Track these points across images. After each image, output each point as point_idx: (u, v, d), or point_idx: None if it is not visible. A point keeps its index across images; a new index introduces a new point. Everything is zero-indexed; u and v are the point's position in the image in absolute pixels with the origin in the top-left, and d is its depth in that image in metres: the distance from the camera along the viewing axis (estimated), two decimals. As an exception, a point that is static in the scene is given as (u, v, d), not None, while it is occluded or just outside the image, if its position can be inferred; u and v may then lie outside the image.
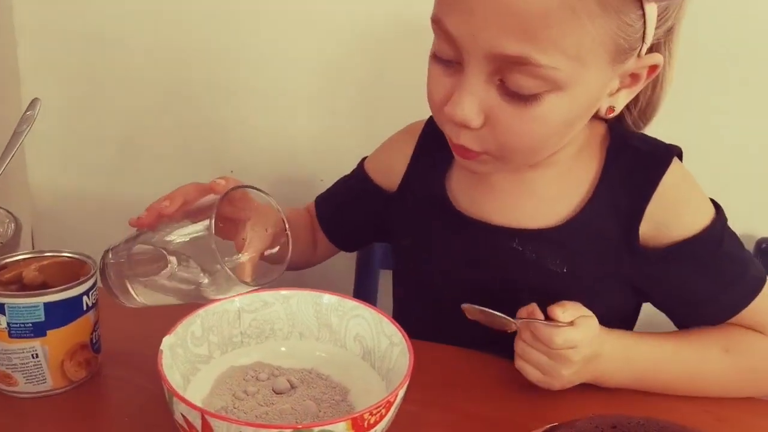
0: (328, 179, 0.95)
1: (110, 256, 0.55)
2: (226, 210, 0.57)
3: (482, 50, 0.49)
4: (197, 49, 0.99)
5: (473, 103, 0.51)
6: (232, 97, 1.01)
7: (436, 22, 0.52)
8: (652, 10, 0.48)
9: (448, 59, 0.52)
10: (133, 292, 0.54)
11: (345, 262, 1.05)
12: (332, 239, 0.79)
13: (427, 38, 0.54)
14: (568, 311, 0.55)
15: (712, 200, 0.62)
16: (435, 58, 0.54)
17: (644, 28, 0.49)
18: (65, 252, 0.57)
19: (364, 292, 0.97)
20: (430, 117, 0.71)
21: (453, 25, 0.50)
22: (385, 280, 0.98)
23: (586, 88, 0.51)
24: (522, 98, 0.50)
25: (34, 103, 0.73)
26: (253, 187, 0.54)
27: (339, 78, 0.96)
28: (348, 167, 0.80)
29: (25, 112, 0.72)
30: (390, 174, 0.72)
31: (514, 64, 0.48)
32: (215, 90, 1.01)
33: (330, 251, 0.81)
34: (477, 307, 0.56)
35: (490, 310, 0.55)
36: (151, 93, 1.03)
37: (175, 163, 1.07)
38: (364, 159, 0.77)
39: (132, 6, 0.99)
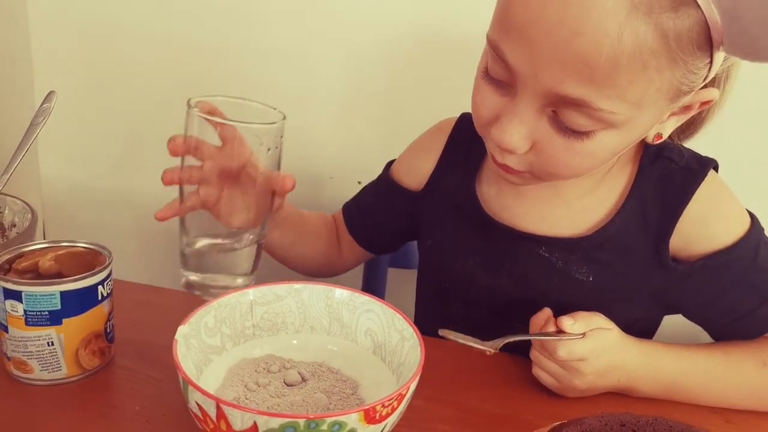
0: (338, 177, 0.95)
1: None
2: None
3: (541, 86, 0.47)
4: (210, 44, 0.99)
5: (522, 132, 0.50)
6: (243, 93, 1.02)
7: (493, 46, 0.49)
8: (719, 57, 0.47)
9: (500, 80, 0.51)
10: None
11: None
12: (361, 243, 0.78)
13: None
14: (579, 323, 0.55)
15: (749, 212, 0.60)
16: (486, 75, 0.52)
17: (708, 72, 0.47)
18: (81, 242, 0.58)
19: (372, 290, 0.97)
20: (461, 117, 0.71)
21: (512, 55, 0.47)
22: (393, 279, 0.98)
23: (640, 125, 0.50)
24: (574, 133, 0.49)
25: (50, 95, 0.73)
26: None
27: (352, 76, 0.97)
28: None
29: (42, 104, 0.72)
30: (417, 174, 0.72)
31: (572, 104, 0.47)
32: (226, 86, 1.02)
33: (358, 257, 0.80)
34: (451, 335, 0.55)
35: (464, 342, 0.55)
36: (163, 87, 1.04)
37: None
38: (389, 164, 0.77)
39: (146, 0, 0.99)
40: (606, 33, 0.43)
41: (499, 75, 0.50)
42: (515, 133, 0.50)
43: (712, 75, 0.48)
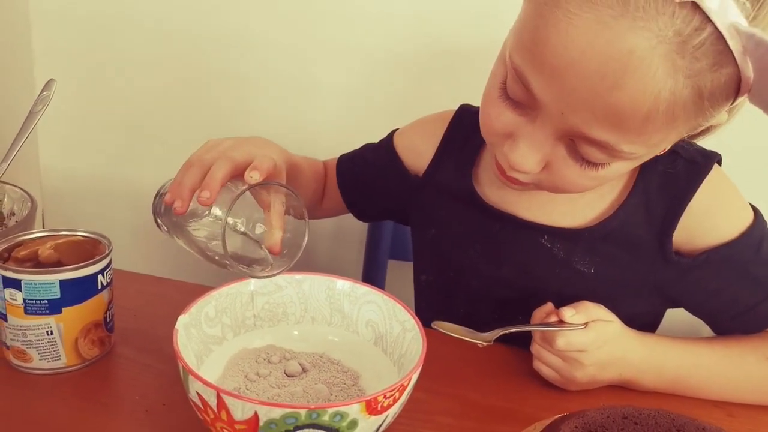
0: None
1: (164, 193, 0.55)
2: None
3: (566, 124, 0.46)
4: (212, 35, 0.98)
5: (537, 157, 0.49)
6: (244, 85, 1.01)
7: (518, 72, 0.47)
8: (741, 99, 0.46)
9: (519, 101, 0.49)
10: (174, 236, 0.54)
11: (353, 251, 1.05)
12: (349, 205, 0.77)
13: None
14: (580, 314, 0.55)
15: (753, 206, 0.60)
16: (503, 93, 0.50)
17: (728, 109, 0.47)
18: (80, 231, 0.57)
19: (371, 281, 0.96)
20: (459, 110, 0.70)
21: (540, 90, 0.46)
22: (392, 271, 0.98)
23: (652, 154, 0.51)
24: (590, 164, 0.49)
25: (49, 84, 0.73)
26: (277, 184, 0.54)
27: (356, 72, 0.96)
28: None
29: (41, 92, 0.72)
30: (417, 157, 0.71)
31: (594, 143, 0.46)
32: (227, 77, 1.01)
33: (338, 210, 0.79)
34: (444, 329, 0.55)
35: (456, 336, 0.55)
36: (163, 78, 1.03)
37: (184, 147, 1.06)
38: (394, 131, 0.75)
39: (147, -10, 0.98)
40: (645, 91, 0.42)
41: (518, 97, 0.49)
42: (530, 157, 0.50)
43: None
